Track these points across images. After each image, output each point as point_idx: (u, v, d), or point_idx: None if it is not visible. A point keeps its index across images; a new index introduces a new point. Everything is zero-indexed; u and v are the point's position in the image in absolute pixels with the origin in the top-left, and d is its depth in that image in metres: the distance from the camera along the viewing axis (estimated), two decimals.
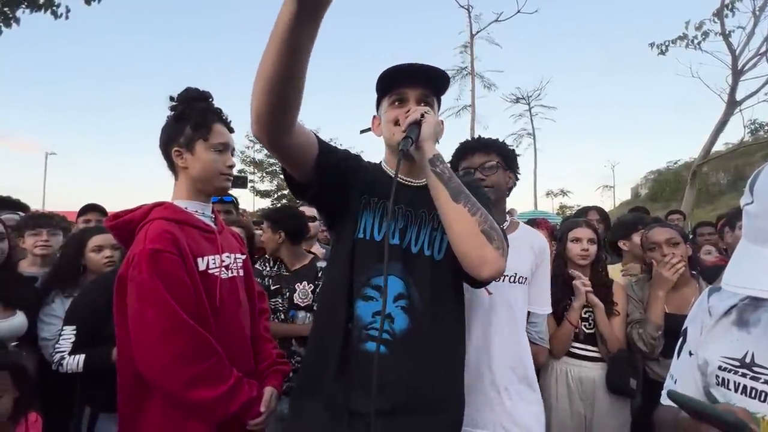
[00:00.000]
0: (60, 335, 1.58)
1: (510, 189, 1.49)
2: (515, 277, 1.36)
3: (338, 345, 0.96)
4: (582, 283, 1.83)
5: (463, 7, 16.49)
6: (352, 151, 1.12)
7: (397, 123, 1.02)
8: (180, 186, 1.22)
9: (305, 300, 2.08)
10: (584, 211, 3.08)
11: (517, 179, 1.52)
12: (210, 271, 1.14)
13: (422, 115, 0.97)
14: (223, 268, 1.18)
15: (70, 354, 1.52)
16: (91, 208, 2.82)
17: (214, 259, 1.16)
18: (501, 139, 1.51)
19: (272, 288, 2.09)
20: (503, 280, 1.34)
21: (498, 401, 1.27)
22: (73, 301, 1.69)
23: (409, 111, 0.99)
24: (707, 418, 0.58)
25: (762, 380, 0.64)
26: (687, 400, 0.60)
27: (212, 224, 1.25)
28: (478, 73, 17.96)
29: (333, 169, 0.99)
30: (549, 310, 1.52)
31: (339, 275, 1.00)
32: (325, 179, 0.98)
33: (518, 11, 15.37)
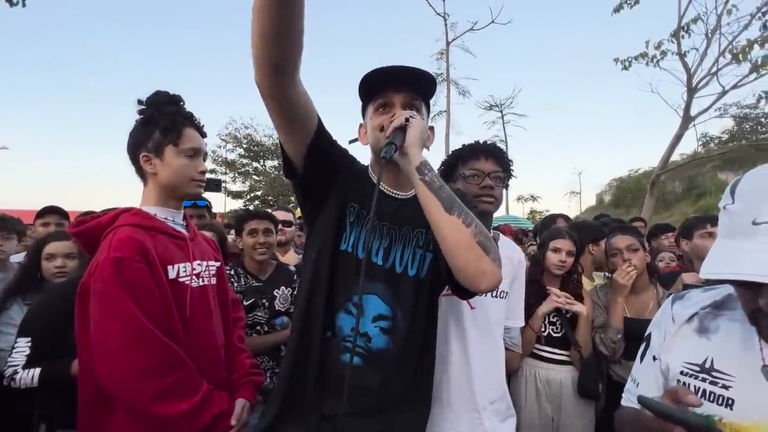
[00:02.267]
0: (13, 348, 1.48)
1: (554, 218, 1.48)
2: (496, 292, 1.34)
3: (318, 353, 0.94)
4: (557, 295, 1.89)
5: (439, 14, 16.80)
6: None
7: (382, 129, 0.97)
8: (149, 192, 1.17)
9: (286, 304, 2.01)
10: (553, 219, 3.20)
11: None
12: (180, 280, 1.10)
13: (407, 120, 0.92)
14: (193, 276, 1.14)
15: (24, 368, 1.42)
16: (49, 211, 2.65)
17: (184, 267, 1.12)
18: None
19: (247, 303, 1.94)
20: (485, 295, 1.30)
21: (478, 422, 1.26)
22: (28, 311, 1.59)
23: (394, 116, 0.95)
24: (677, 421, 0.61)
25: (720, 384, 0.68)
26: (656, 405, 0.63)
27: (183, 231, 1.20)
28: (453, 80, 18.34)
29: (325, 157, 0.95)
30: (522, 323, 1.56)
31: (321, 285, 0.97)
32: (315, 163, 0.94)
33: (492, 21, 15.86)
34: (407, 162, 0.90)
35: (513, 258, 1.43)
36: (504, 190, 1.40)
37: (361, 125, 1.10)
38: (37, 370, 1.42)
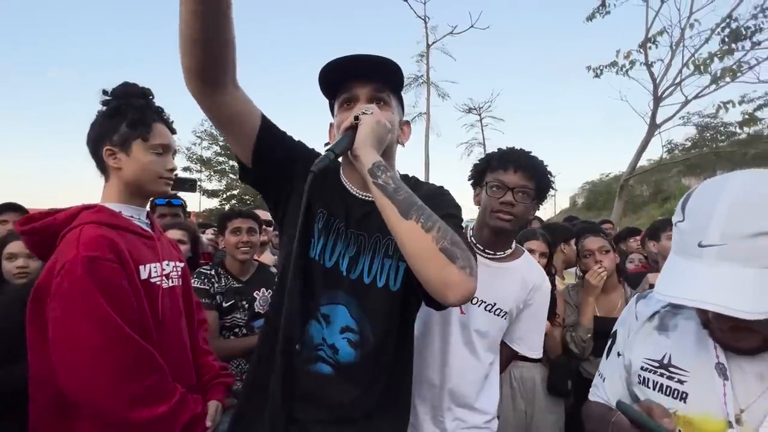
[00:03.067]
0: None
1: (530, 221, 1.36)
2: (493, 307, 1.25)
3: (286, 361, 0.89)
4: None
5: (420, 17, 16.95)
6: None
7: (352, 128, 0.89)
8: (111, 188, 1.10)
9: (266, 306, 1.95)
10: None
11: (537, 209, 1.34)
12: (152, 280, 1.06)
13: (357, 118, 0.84)
14: (164, 277, 1.10)
15: None
16: (8, 208, 2.50)
17: (155, 267, 1.08)
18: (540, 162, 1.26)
19: (226, 305, 1.88)
20: (479, 305, 1.25)
21: (440, 420, 1.24)
22: None
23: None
24: (644, 429, 0.64)
25: (676, 379, 0.72)
26: (632, 412, 0.66)
27: (149, 230, 1.15)
28: (433, 82, 18.51)
29: (273, 154, 0.90)
30: (536, 355, 1.39)
31: (294, 291, 0.91)
32: (264, 162, 0.90)
33: (471, 26, 16.14)
34: (360, 165, 0.83)
35: (528, 281, 1.29)
36: (531, 208, 1.25)
37: (331, 125, 1.01)
38: None
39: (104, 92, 1.11)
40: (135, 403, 0.93)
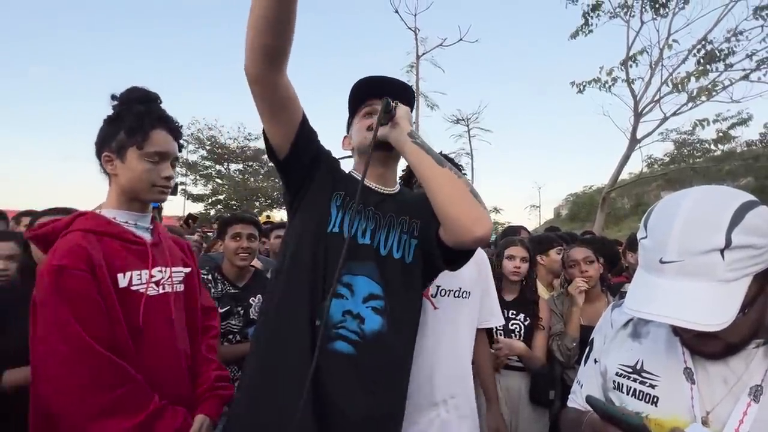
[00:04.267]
0: None
1: (518, 230, 1.51)
2: (459, 292, 1.38)
3: (306, 344, 0.88)
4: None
5: (410, 29, 17.21)
6: None
7: (370, 128, 1.03)
8: (111, 193, 1.12)
9: None
10: (517, 230, 3.34)
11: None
12: (133, 288, 1.04)
13: (392, 101, 0.99)
14: (152, 284, 1.08)
15: None
16: None
17: (139, 275, 1.06)
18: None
19: (222, 310, 1.85)
20: (448, 295, 1.36)
21: (435, 414, 1.29)
22: None
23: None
24: (616, 421, 0.66)
25: (648, 384, 0.75)
26: (600, 405, 0.69)
27: (145, 236, 1.14)
28: (422, 93, 18.74)
29: (310, 145, 1.00)
30: (500, 321, 1.61)
31: (304, 270, 0.94)
32: (301, 151, 0.98)
33: (461, 39, 16.46)
34: (399, 132, 0.98)
35: (475, 258, 1.44)
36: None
37: (345, 137, 1.17)
38: None
39: (113, 97, 1.11)
40: (100, 416, 0.91)
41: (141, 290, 1.05)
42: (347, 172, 1.13)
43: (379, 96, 1.03)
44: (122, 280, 1.02)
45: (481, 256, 1.51)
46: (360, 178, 0.97)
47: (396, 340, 0.97)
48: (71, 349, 0.91)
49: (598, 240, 2.97)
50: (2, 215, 2.47)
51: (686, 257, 0.63)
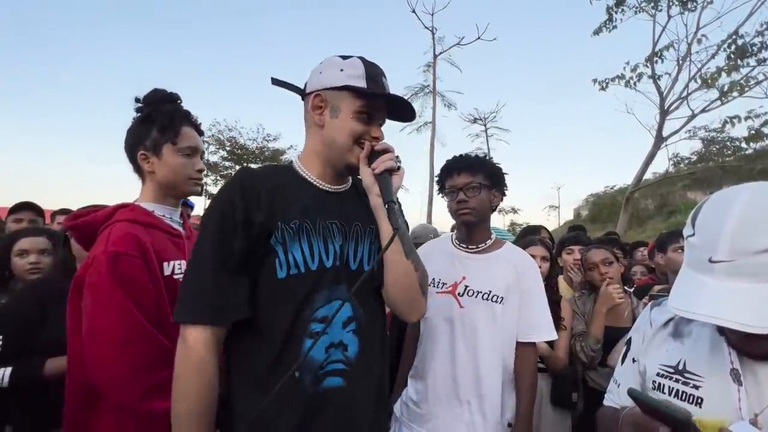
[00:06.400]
0: None
1: (495, 207, 1.44)
2: (489, 295, 1.34)
3: (291, 395, 0.83)
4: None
5: (427, 28, 17.20)
6: None
7: (357, 141, 0.92)
8: (147, 189, 1.18)
9: None
10: (537, 230, 3.29)
11: (504, 195, 1.47)
12: (175, 276, 1.11)
13: (397, 163, 0.92)
14: None
15: None
16: (23, 206, 2.54)
17: (179, 264, 1.13)
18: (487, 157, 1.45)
19: None
20: (475, 296, 1.34)
21: (459, 412, 1.30)
22: (0, 309, 1.53)
23: (376, 137, 0.93)
24: (660, 415, 0.65)
25: (691, 385, 0.73)
26: (644, 397, 0.68)
27: (180, 228, 1.21)
28: (439, 92, 18.70)
29: (250, 241, 0.86)
30: (549, 337, 1.41)
31: (267, 323, 0.86)
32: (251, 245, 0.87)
33: (478, 38, 16.34)
34: (382, 204, 0.91)
35: (514, 264, 1.39)
36: (489, 195, 1.40)
37: (316, 95, 0.93)
38: (8, 370, 1.36)
39: (136, 100, 1.18)
40: (148, 395, 0.96)
41: (180, 279, 1.11)
42: (288, 164, 0.99)
43: (382, 108, 0.95)
44: (166, 268, 1.09)
45: (525, 263, 1.41)
46: (310, 180, 0.95)
47: (372, 357, 0.94)
48: (126, 330, 0.96)
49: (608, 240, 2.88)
50: (40, 211, 2.59)
51: (738, 257, 0.61)
